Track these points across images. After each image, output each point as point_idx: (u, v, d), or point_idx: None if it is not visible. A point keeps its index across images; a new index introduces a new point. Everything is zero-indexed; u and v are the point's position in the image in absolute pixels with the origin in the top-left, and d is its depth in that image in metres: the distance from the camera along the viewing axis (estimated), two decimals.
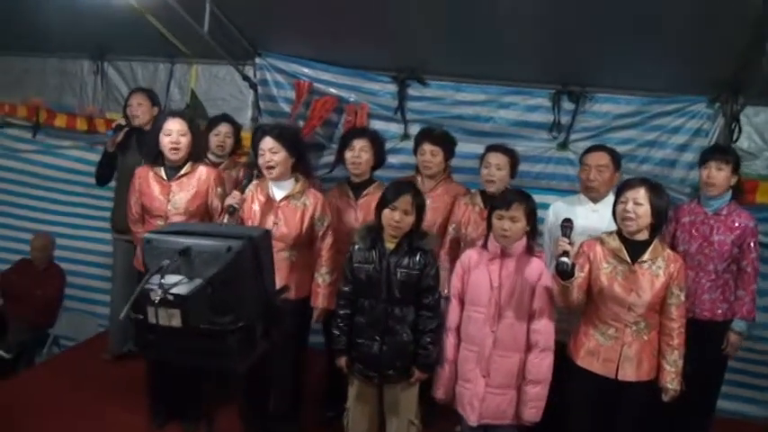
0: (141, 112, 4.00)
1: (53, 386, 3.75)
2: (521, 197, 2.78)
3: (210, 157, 3.87)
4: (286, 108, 4.59)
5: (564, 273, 2.53)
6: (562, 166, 4.27)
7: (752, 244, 3.18)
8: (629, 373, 2.70)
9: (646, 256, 2.67)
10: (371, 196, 3.37)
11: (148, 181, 3.33)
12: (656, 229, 2.69)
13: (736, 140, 3.89)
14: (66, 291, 4.87)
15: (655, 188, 2.67)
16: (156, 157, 3.33)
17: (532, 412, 2.76)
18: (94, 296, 4.96)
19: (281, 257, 3.16)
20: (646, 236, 2.68)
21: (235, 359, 1.93)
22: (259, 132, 3.30)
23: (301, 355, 3.40)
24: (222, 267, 1.86)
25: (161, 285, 1.81)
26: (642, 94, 4.10)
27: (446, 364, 2.87)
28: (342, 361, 2.98)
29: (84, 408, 3.53)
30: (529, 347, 2.76)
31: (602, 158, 3.26)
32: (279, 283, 3.09)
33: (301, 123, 4.54)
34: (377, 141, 3.59)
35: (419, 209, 2.87)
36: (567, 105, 4.24)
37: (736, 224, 3.17)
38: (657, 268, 2.66)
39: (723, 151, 3.24)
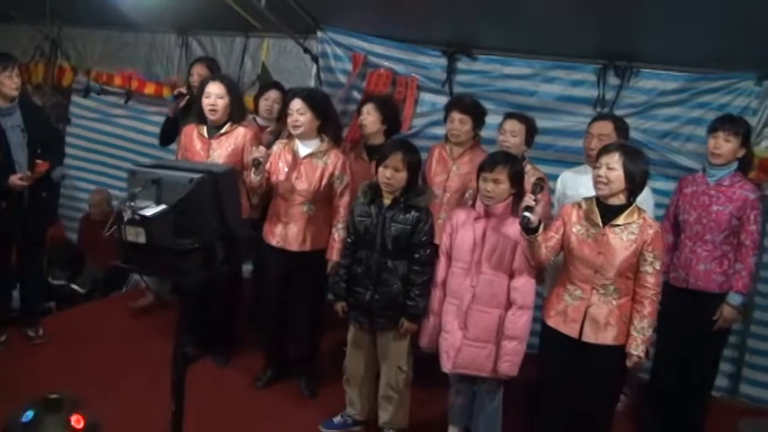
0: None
1: (110, 318, 4.30)
2: (505, 160, 2.86)
3: (259, 120, 4.20)
4: (343, 79, 4.86)
5: (527, 228, 2.61)
6: None
7: (752, 216, 3.06)
8: (590, 335, 2.70)
9: (618, 221, 2.65)
10: None
11: (192, 138, 3.70)
12: (632, 194, 2.66)
13: None
14: None
15: (631, 154, 2.64)
16: (203, 117, 3.70)
17: (506, 366, 2.86)
18: None
19: (299, 210, 3.45)
20: (622, 200, 2.66)
21: (193, 276, 2.21)
22: (290, 94, 3.58)
23: (319, 305, 3.65)
24: (184, 195, 2.14)
25: (131, 207, 2.12)
26: (689, 71, 4.00)
27: (432, 315, 3.03)
28: (338, 306, 3.21)
29: (132, 339, 4.02)
30: (509, 305, 2.86)
31: (605, 127, 3.24)
32: (297, 233, 3.46)
33: (355, 94, 4.80)
34: (385, 106, 3.79)
35: (411, 166, 3.01)
36: (613, 81, 4.20)
37: (737, 195, 3.07)
38: (630, 233, 2.64)
39: (733, 122, 3.12)
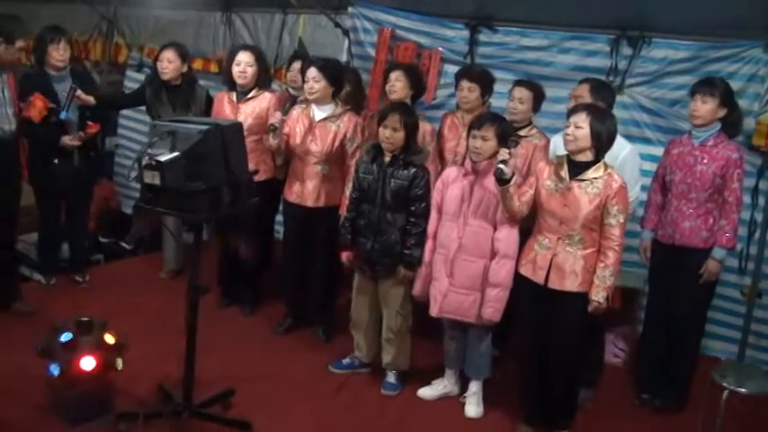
0: (172, 68, 4.20)
1: (152, 270, 4.78)
2: (493, 119, 3.10)
3: (289, 89, 4.53)
4: (372, 53, 5.10)
5: (500, 179, 2.84)
6: (616, 110, 4.32)
7: (735, 175, 3.20)
8: (555, 282, 2.90)
9: (584, 176, 2.84)
10: None
11: (223, 102, 4.10)
12: (599, 152, 2.84)
13: None
14: None
15: (598, 114, 2.82)
16: (233, 84, 4.06)
17: (490, 312, 3.11)
18: None
19: (314, 170, 3.78)
20: (589, 157, 2.84)
21: (202, 214, 2.58)
22: (307, 63, 3.88)
23: (334, 256, 3.95)
24: (193, 144, 2.50)
25: (148, 154, 2.49)
26: (699, 39, 4.06)
27: (423, 265, 3.31)
28: (344, 255, 3.53)
29: (170, 288, 4.42)
30: (494, 255, 3.11)
31: (582, 90, 3.42)
32: (312, 190, 3.78)
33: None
34: (411, 72, 4.00)
35: (408, 127, 3.28)
36: (626, 50, 4.31)
37: (720, 155, 3.21)
38: (595, 188, 2.81)
39: (710, 84, 3.24)
